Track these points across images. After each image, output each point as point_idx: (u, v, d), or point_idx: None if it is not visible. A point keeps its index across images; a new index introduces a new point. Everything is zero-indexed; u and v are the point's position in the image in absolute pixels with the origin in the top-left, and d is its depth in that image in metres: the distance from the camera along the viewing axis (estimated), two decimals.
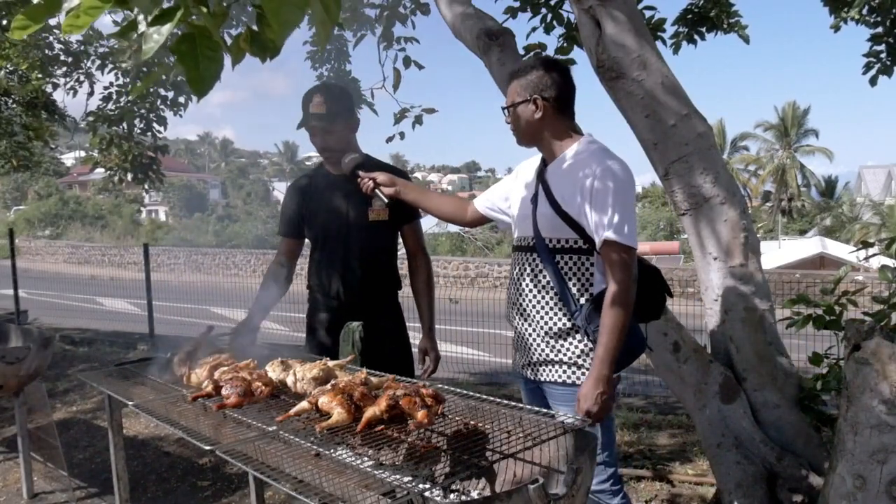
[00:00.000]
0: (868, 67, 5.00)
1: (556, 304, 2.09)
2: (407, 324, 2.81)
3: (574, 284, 2.07)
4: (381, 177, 2.44)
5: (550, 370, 2.12)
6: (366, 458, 1.65)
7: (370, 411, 1.66)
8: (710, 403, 2.64)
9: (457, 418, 1.83)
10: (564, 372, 2.10)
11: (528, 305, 2.15)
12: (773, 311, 2.70)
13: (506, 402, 1.84)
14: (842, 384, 2.17)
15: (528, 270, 2.14)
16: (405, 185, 2.48)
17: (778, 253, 20.31)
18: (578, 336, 2.08)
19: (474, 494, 1.81)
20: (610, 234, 1.95)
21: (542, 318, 2.12)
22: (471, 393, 1.92)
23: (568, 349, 2.09)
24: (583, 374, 2.06)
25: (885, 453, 2.01)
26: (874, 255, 3.08)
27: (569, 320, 2.08)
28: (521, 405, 1.80)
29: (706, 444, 2.72)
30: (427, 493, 1.42)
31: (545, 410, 1.82)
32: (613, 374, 2.01)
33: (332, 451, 1.64)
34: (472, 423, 1.79)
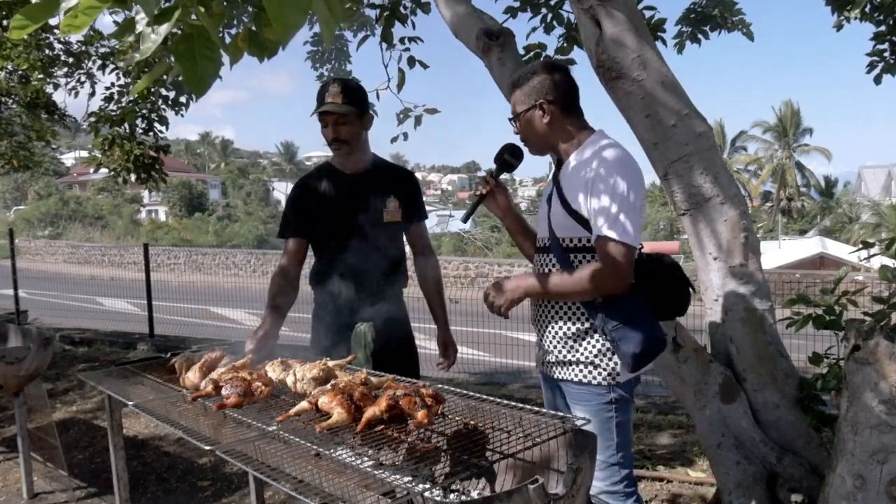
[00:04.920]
0: (872, 66, 5.00)
1: (572, 304, 2.08)
2: (415, 323, 2.82)
3: None
4: (501, 197, 2.28)
5: (567, 369, 2.12)
6: (366, 458, 1.65)
7: (370, 411, 1.66)
8: (710, 403, 2.64)
9: (457, 418, 1.83)
10: (580, 371, 2.09)
11: (546, 306, 2.15)
12: (773, 311, 2.70)
13: (506, 402, 1.84)
14: (842, 384, 2.17)
15: (546, 271, 2.14)
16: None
17: (778, 253, 20.32)
18: (596, 336, 2.07)
19: (474, 494, 1.81)
20: (603, 230, 1.94)
21: (560, 319, 2.11)
22: (471, 393, 1.92)
23: (585, 349, 2.08)
24: (599, 373, 2.06)
25: (885, 453, 2.02)
26: (874, 255, 3.08)
27: (587, 320, 2.07)
28: (521, 405, 1.80)
29: (706, 444, 2.72)
30: (427, 493, 1.42)
31: (545, 410, 1.82)
32: (633, 373, 2.05)
33: (332, 451, 1.64)
34: (472, 423, 1.79)
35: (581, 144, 2.11)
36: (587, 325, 2.07)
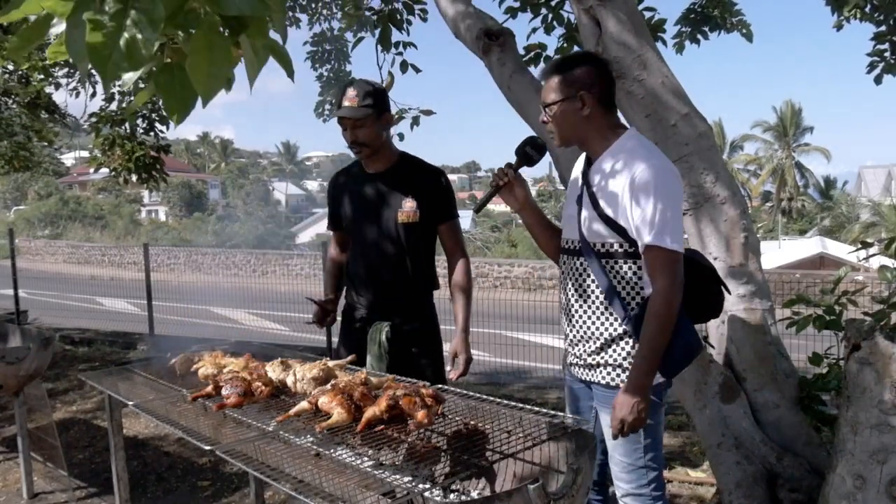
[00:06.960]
0: (872, 67, 5.01)
1: (605, 309, 2.01)
2: (444, 326, 2.74)
3: (623, 289, 1.99)
4: (519, 189, 2.19)
5: (595, 372, 2.06)
6: (366, 458, 1.65)
7: (370, 411, 1.66)
8: (710, 403, 2.64)
9: (457, 418, 1.83)
10: (609, 374, 2.03)
11: (576, 311, 2.07)
12: (773, 311, 2.70)
13: (506, 402, 1.84)
14: (842, 384, 2.17)
15: (576, 275, 2.06)
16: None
17: (778, 253, 20.28)
18: (626, 339, 2.00)
19: (474, 494, 1.81)
20: (649, 240, 1.88)
21: (592, 323, 2.04)
22: (471, 393, 1.92)
23: (614, 351, 2.02)
24: (627, 376, 1.99)
25: (885, 453, 2.02)
26: (874, 255, 3.09)
27: (620, 326, 2.00)
28: (521, 405, 1.80)
29: (706, 444, 2.72)
30: (427, 493, 1.42)
31: (545, 410, 1.82)
32: (666, 379, 2.00)
33: (332, 451, 1.64)
34: (472, 423, 1.79)
35: (613, 144, 2.01)
36: (620, 329, 2.00)
